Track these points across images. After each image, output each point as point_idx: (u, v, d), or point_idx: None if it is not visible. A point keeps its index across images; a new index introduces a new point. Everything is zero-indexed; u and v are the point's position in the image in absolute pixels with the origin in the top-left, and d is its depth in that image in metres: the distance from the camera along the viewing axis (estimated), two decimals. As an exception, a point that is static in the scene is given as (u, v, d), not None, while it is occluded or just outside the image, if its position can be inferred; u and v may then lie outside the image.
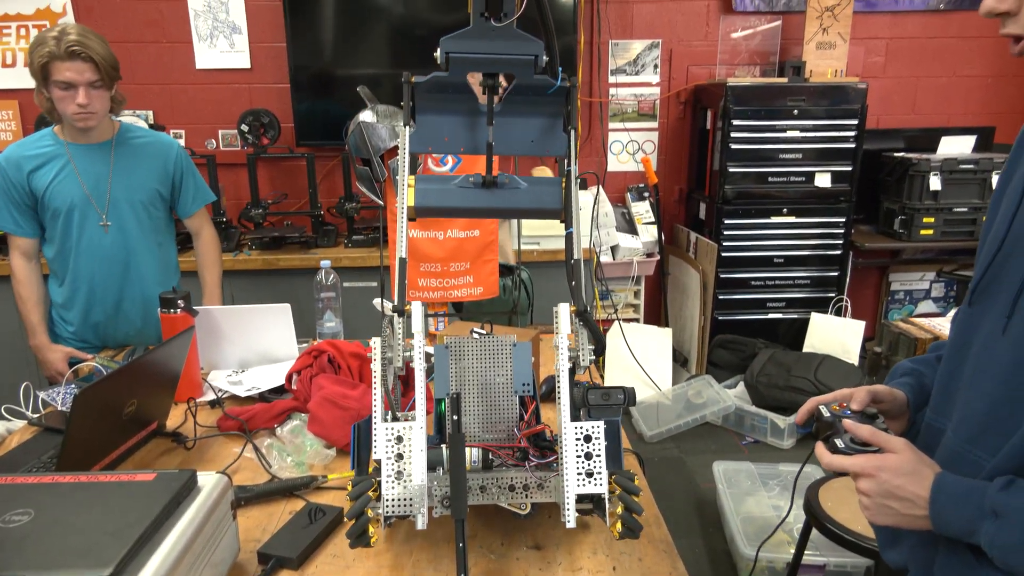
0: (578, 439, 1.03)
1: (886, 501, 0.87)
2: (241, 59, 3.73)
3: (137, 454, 1.48)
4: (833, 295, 3.84)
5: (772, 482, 2.74)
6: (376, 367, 1.09)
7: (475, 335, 1.31)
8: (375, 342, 1.10)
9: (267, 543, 1.16)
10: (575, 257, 1.12)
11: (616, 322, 3.75)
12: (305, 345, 1.95)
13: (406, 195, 1.16)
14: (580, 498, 1.03)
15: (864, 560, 2.12)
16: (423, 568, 1.12)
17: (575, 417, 1.07)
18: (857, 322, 3.71)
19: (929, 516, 0.84)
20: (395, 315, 1.11)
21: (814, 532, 2.09)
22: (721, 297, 3.79)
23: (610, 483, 1.06)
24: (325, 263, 2.02)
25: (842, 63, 3.67)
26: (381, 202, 2.01)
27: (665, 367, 3.77)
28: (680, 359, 4.04)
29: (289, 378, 1.68)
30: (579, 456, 1.03)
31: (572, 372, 1.12)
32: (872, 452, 0.90)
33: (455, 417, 1.04)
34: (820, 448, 0.95)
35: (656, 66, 3.96)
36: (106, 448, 1.37)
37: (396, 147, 1.98)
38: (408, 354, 1.11)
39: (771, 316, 3.86)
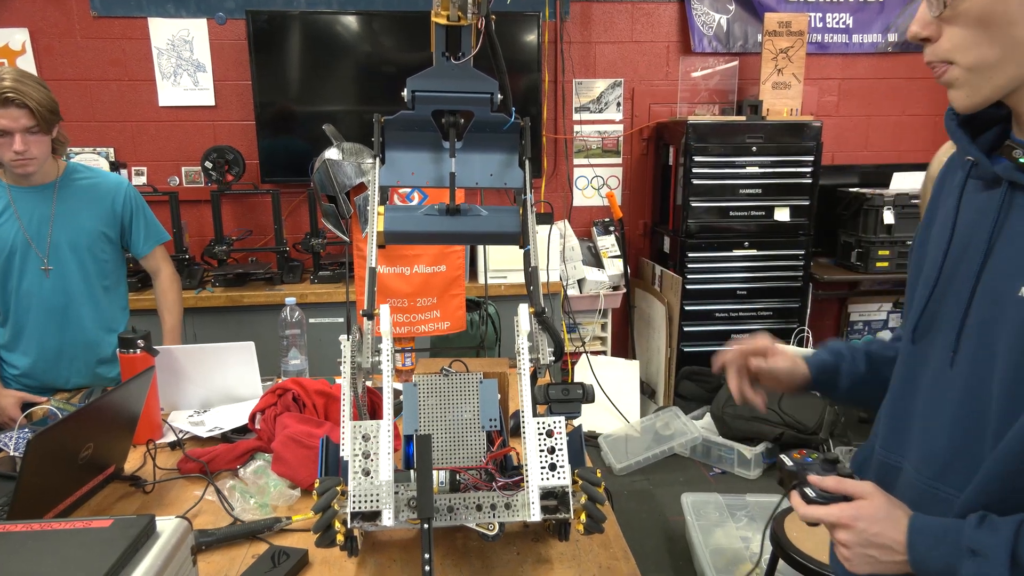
0: (540, 434, 1.07)
1: (866, 550, 0.87)
2: (205, 96, 3.72)
3: (94, 499, 1.43)
4: (795, 326, 3.92)
5: (740, 513, 2.75)
6: (345, 369, 1.13)
7: (444, 373, 1.33)
8: (345, 346, 1.13)
9: (229, 589, 1.13)
10: (533, 265, 1.19)
11: (584, 355, 3.77)
12: (270, 383, 1.93)
13: (375, 220, 1.20)
14: (544, 495, 1.07)
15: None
16: (390, 611, 1.10)
17: (536, 413, 1.11)
18: (819, 352, 3.78)
19: (908, 560, 0.84)
20: (364, 319, 1.16)
21: (781, 563, 2.09)
22: (687, 329, 3.84)
23: (573, 479, 1.09)
24: (290, 300, 2.00)
25: (797, 102, 3.80)
26: (347, 238, 2.01)
27: (633, 399, 3.79)
28: (648, 391, 4.06)
29: (253, 417, 1.66)
30: (542, 450, 1.06)
31: (534, 373, 1.16)
32: (843, 500, 0.90)
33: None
34: (795, 499, 0.95)
35: (619, 104, 4.06)
36: (61, 494, 1.33)
37: (362, 184, 2.00)
38: (376, 359, 1.13)
39: (736, 348, 3.91)
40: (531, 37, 3.72)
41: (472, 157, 1.28)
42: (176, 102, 3.71)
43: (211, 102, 3.72)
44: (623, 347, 4.28)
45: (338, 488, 1.05)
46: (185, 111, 3.73)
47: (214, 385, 1.88)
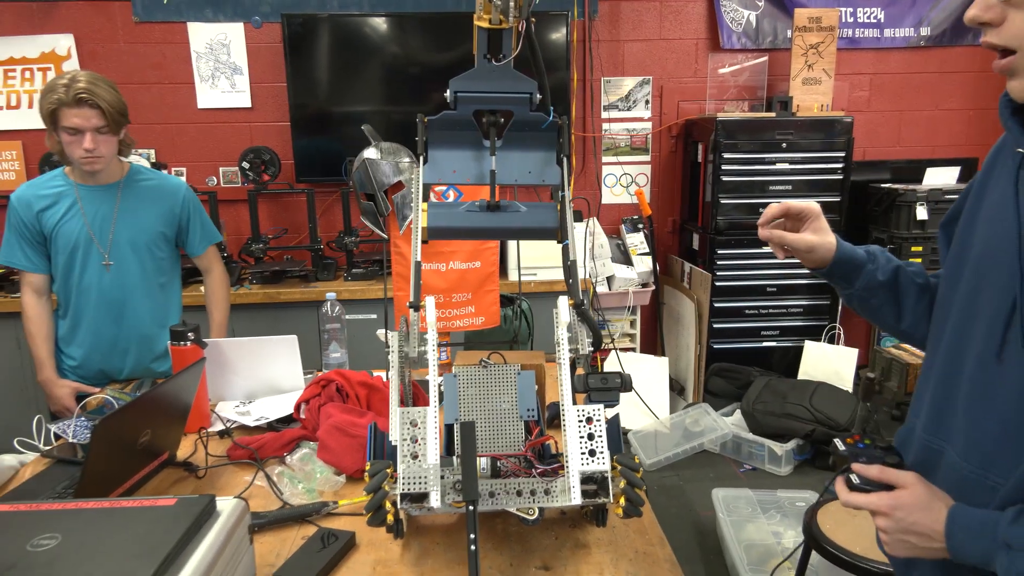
0: (580, 421, 1.11)
1: (904, 537, 0.92)
2: (242, 98, 3.82)
3: (150, 483, 1.50)
4: (826, 323, 3.91)
5: (772, 509, 2.76)
6: (393, 358, 1.19)
7: (483, 364, 1.38)
8: (392, 336, 1.20)
9: (282, 567, 1.19)
10: (572, 259, 1.23)
11: (613, 351, 3.80)
12: (310, 377, 1.99)
13: (419, 216, 1.24)
14: (584, 480, 1.10)
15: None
16: (436, 589, 1.15)
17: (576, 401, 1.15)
18: (850, 349, 3.76)
19: (947, 548, 0.88)
20: (411, 310, 1.21)
21: (816, 559, 2.11)
22: (716, 326, 3.85)
23: (612, 464, 1.13)
24: (331, 295, 2.07)
25: (828, 98, 3.78)
26: (385, 235, 2.07)
27: (662, 396, 3.81)
28: (677, 388, 4.07)
29: (298, 407, 1.72)
30: (581, 437, 1.10)
31: (573, 363, 1.20)
32: (886, 488, 0.94)
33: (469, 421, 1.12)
34: (839, 484, 0.99)
35: (647, 102, 4.07)
36: (122, 477, 1.40)
37: (399, 182, 2.05)
38: (423, 348, 1.18)
39: (766, 344, 3.91)
40: (560, 36, 3.75)
41: (511, 155, 1.32)
42: (214, 104, 3.81)
43: (247, 104, 3.82)
44: (652, 344, 4.30)
45: (387, 471, 1.10)
46: (223, 113, 3.83)
47: (259, 377, 1.95)
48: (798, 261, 1.20)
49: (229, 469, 1.58)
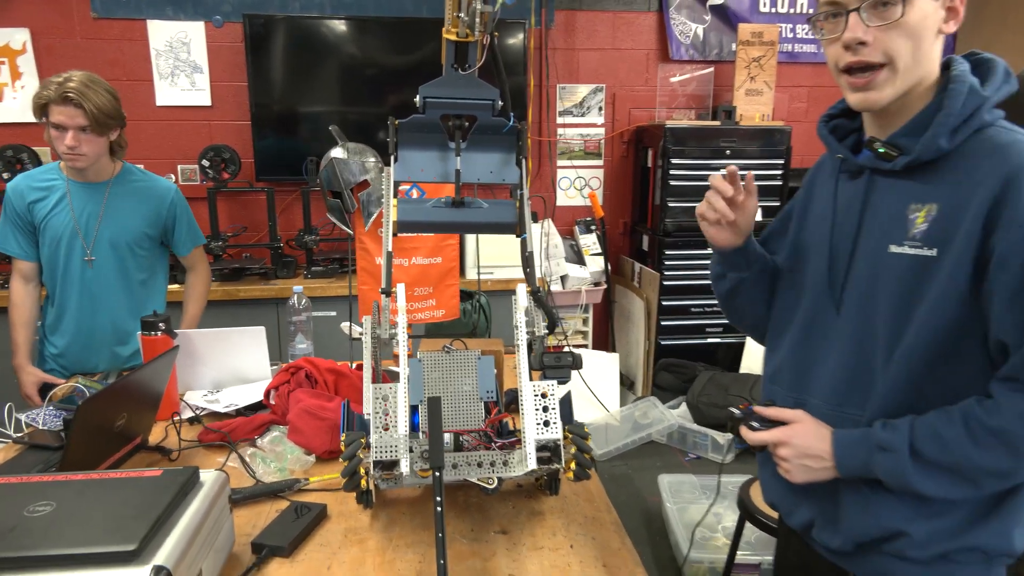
0: (536, 395, 1.25)
1: (802, 461, 1.11)
2: (202, 97, 3.84)
3: (124, 466, 1.57)
4: (767, 321, 4.12)
5: (713, 492, 2.93)
6: (367, 340, 1.31)
7: (446, 350, 1.49)
8: (366, 320, 1.32)
9: (260, 535, 1.28)
10: (529, 251, 1.36)
11: (566, 348, 3.94)
12: (276, 368, 2.07)
13: (390, 211, 1.35)
14: (539, 449, 1.23)
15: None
16: (403, 551, 1.26)
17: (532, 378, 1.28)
18: (789, 346, 3.98)
19: (835, 465, 1.08)
20: (382, 295, 1.33)
21: (752, 536, 2.28)
22: (664, 323, 4.03)
23: (564, 434, 1.26)
24: (298, 288, 2.15)
25: (768, 108, 4.01)
26: (351, 232, 2.16)
27: (613, 390, 3.97)
28: (627, 382, 4.24)
29: (267, 394, 1.80)
30: (537, 409, 1.24)
31: (530, 345, 1.33)
32: (781, 426, 1.15)
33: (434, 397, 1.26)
34: (744, 431, 1.18)
35: (600, 108, 4.24)
36: (100, 457, 1.46)
37: (365, 181, 2.15)
38: (393, 331, 1.30)
39: (710, 341, 4.11)
40: (517, 43, 3.89)
41: (475, 156, 1.43)
42: (173, 102, 3.82)
43: (207, 102, 3.84)
44: (603, 340, 4.46)
45: (362, 440, 1.21)
46: (182, 111, 3.84)
47: (226, 367, 2.02)
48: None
49: (201, 452, 1.66)
